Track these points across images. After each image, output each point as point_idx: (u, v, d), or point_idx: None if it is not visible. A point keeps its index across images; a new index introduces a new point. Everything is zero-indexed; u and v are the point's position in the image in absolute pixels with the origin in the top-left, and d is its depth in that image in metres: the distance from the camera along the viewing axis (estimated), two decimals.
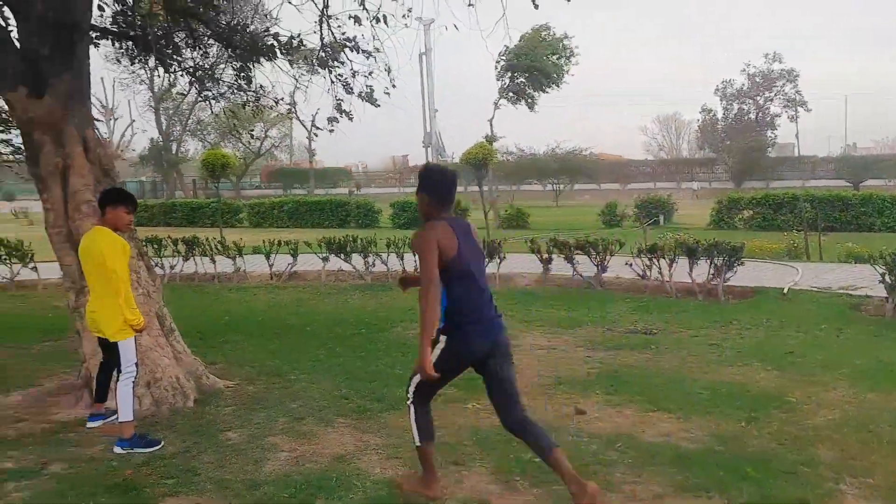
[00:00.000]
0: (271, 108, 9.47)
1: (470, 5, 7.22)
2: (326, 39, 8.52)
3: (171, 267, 13.71)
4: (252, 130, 50.80)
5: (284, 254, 13.54)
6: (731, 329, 8.63)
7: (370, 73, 9.09)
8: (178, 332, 6.42)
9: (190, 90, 9.97)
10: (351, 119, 9.36)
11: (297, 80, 9.73)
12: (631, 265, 11.40)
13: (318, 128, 9.13)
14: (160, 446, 4.94)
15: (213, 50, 8.98)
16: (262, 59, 7.93)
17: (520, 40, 34.67)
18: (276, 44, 7.84)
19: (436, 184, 4.04)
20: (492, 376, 4.08)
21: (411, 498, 4.15)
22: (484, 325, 3.99)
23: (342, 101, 9.18)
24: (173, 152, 53.21)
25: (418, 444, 4.14)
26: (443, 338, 3.93)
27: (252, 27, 8.54)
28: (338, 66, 8.94)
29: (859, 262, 13.21)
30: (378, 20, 8.18)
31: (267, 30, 8.31)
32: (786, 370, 6.71)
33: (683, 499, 4.09)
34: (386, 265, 13.13)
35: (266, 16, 10.00)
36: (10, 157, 10.86)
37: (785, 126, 64.37)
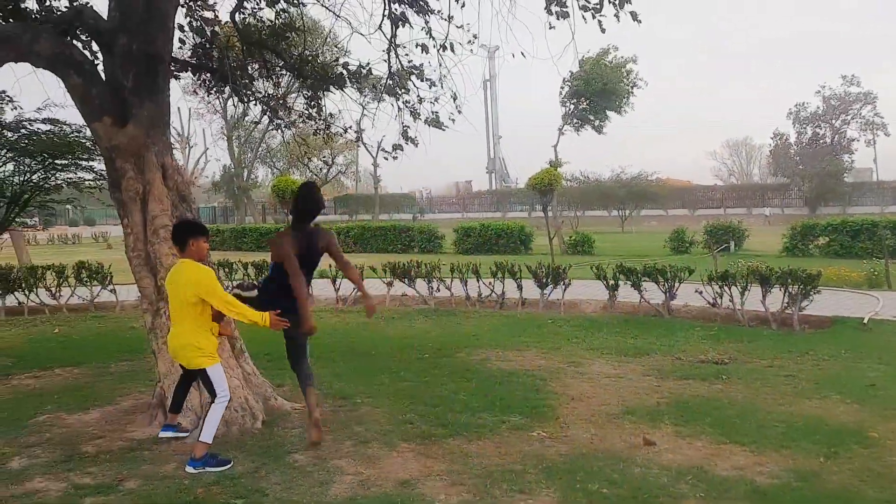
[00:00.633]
0: (341, 136, 9.65)
1: (551, 28, 7.24)
2: (394, 68, 8.69)
3: None
4: (323, 158, 52.10)
5: None
6: (806, 360, 8.31)
7: (436, 100, 9.21)
8: (248, 354, 6.57)
9: (262, 119, 10.30)
10: (416, 145, 9.47)
11: (364, 107, 9.95)
12: (701, 293, 11.12)
13: (386, 151, 9.25)
14: (230, 466, 5.05)
15: (285, 80, 9.26)
16: (331, 88, 8.13)
17: (581, 67, 34.60)
18: (345, 73, 8.04)
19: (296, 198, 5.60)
20: None
21: None
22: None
23: (409, 127, 9.32)
24: (244, 179, 54.80)
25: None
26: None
27: (322, 58, 8.76)
28: (404, 94, 9.10)
29: None
30: (444, 48, 8.31)
31: (336, 59, 8.53)
32: (867, 404, 6.41)
33: None
34: (450, 290, 13.16)
35: (336, 46, 10.26)
36: (93, 183, 11.38)
37: (862, 150, 62.19)
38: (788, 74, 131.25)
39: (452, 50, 8.28)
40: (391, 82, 8.91)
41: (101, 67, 6.49)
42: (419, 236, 30.11)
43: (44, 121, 10.15)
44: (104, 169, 6.77)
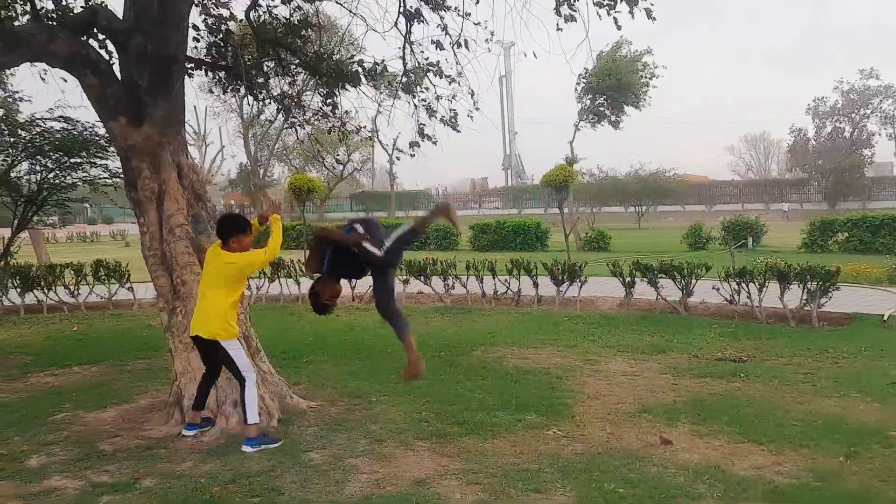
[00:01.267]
0: (356, 133, 9.64)
1: (559, 29, 7.19)
2: (410, 65, 8.66)
3: (258, 288, 14.12)
4: (337, 155, 52.18)
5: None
6: (826, 357, 8.21)
7: (453, 97, 9.16)
8: (264, 353, 6.59)
9: (277, 117, 10.31)
10: (434, 143, 9.44)
11: (379, 105, 9.93)
12: (718, 289, 11.02)
13: (400, 150, 9.24)
14: (280, 443, 5.39)
15: (300, 78, 9.26)
16: (347, 86, 8.11)
17: (597, 61, 34.37)
18: (360, 70, 8.02)
19: None
20: None
21: None
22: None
23: (424, 125, 9.28)
24: (260, 176, 55.02)
25: None
26: None
27: (338, 55, 8.75)
28: (421, 91, 9.06)
29: None
30: (459, 45, 8.26)
31: (352, 57, 8.52)
32: (887, 402, 6.32)
33: None
34: (465, 288, 13.14)
35: (353, 44, 10.25)
36: (108, 181, 11.45)
37: (883, 144, 61.36)
38: (808, 69, 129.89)
39: (467, 47, 8.23)
40: (407, 79, 8.88)
41: (116, 67, 6.52)
42: (435, 233, 30.08)
43: (57, 119, 10.22)
44: (119, 167, 6.80)
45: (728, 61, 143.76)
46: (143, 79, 6.23)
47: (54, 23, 7.04)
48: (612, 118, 38.47)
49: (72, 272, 13.94)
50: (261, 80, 7.78)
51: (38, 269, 13.74)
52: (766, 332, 9.89)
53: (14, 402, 7.02)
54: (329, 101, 8.22)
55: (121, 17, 6.41)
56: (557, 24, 7.24)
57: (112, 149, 9.75)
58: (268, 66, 7.85)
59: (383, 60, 8.24)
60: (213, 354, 5.50)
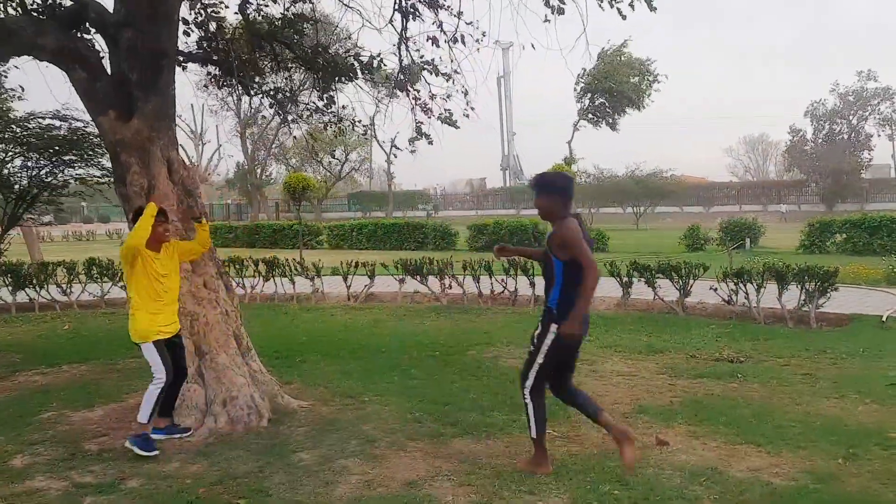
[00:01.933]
0: (352, 130, 9.53)
1: (546, 21, 7.09)
2: (405, 62, 8.56)
3: (252, 287, 14.02)
4: (332, 153, 52.05)
5: (362, 275, 13.65)
6: (824, 358, 8.12)
7: (448, 96, 9.08)
8: (255, 352, 6.49)
9: (274, 115, 10.20)
10: (431, 142, 9.35)
11: (378, 102, 9.85)
12: (716, 290, 10.94)
13: (398, 148, 9.19)
14: (154, 454, 5.12)
15: (295, 73, 9.15)
16: (342, 80, 8.01)
17: (598, 60, 34.30)
18: (356, 64, 7.92)
19: (565, 187, 4.76)
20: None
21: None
22: (587, 316, 4.59)
23: (422, 123, 9.19)
24: (258, 176, 54.93)
25: (534, 436, 4.74)
26: (554, 327, 4.53)
27: (333, 49, 8.65)
28: (417, 89, 8.97)
29: None
30: (455, 41, 8.18)
31: (347, 51, 8.41)
32: (887, 404, 6.22)
33: None
34: (462, 287, 13.05)
35: (346, 39, 10.15)
36: (101, 179, 11.35)
37: (881, 146, 61.44)
38: (809, 69, 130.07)
39: (463, 42, 8.14)
40: (402, 77, 8.78)
41: (106, 61, 6.42)
42: (432, 233, 30.01)
43: (53, 116, 10.12)
44: (111, 164, 6.70)
45: (728, 61, 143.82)
46: (134, 73, 6.12)
47: (43, 16, 6.92)
48: (610, 120, 38.40)
49: (64, 270, 13.83)
50: (252, 74, 7.66)
51: (30, 267, 13.63)
52: (764, 332, 9.80)
53: (0, 401, 6.91)
54: (326, 95, 8.09)
55: (111, 11, 6.31)
56: (546, 16, 7.13)
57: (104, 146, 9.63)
58: (261, 61, 7.75)
59: (379, 54, 8.14)
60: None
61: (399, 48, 8.46)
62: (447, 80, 8.81)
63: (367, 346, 9.26)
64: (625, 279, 12.00)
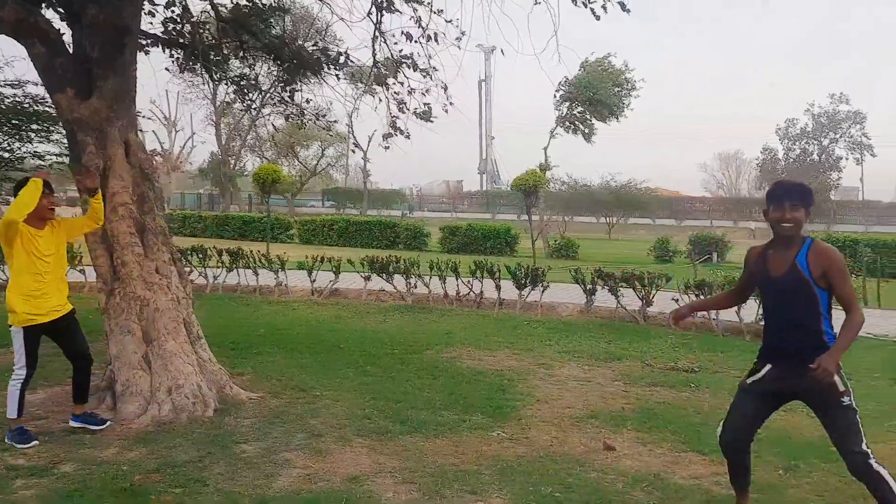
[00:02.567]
0: (315, 121, 9.44)
1: (525, 24, 7.10)
2: (382, 56, 8.52)
3: (215, 277, 13.84)
4: (307, 147, 51.64)
5: (327, 270, 13.54)
6: None
7: (426, 91, 9.04)
8: (205, 340, 6.39)
9: (250, 108, 10.06)
10: (408, 137, 9.32)
11: (354, 98, 9.81)
12: (678, 300, 11.01)
13: (359, 144, 9.08)
14: (29, 446, 4.93)
15: (263, 64, 9.06)
16: (308, 73, 7.95)
17: (581, 69, 34.43)
18: (322, 58, 7.85)
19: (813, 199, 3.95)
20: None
21: None
22: None
23: (397, 118, 9.14)
24: (231, 167, 54.36)
25: None
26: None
27: (301, 42, 8.58)
28: (395, 84, 8.92)
29: None
30: (429, 38, 8.15)
31: (315, 44, 8.33)
32: None
33: None
34: (428, 287, 13.00)
35: (319, 32, 10.08)
36: (56, 159, 11.10)
37: (850, 169, 62.53)
38: (782, 89, 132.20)
39: (436, 40, 8.12)
40: (377, 71, 8.73)
41: (67, 38, 6.30)
42: (404, 233, 29.92)
43: (7, 84, 9.82)
44: (67, 143, 6.57)
45: (707, 77, 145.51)
46: (95, 50, 6.02)
47: None
48: (587, 130, 38.46)
49: None
50: (219, 60, 7.57)
51: None
52: (722, 344, 9.90)
53: None
54: (289, 88, 8.02)
55: None
56: (526, 18, 7.16)
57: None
58: (227, 48, 7.64)
59: (346, 50, 8.08)
60: (58, 341, 5.29)
61: (374, 42, 8.41)
62: (425, 77, 8.80)
63: (326, 342, 9.17)
64: (589, 286, 12.05)
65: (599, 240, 43.23)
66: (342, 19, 8.20)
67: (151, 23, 7.35)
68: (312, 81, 8.82)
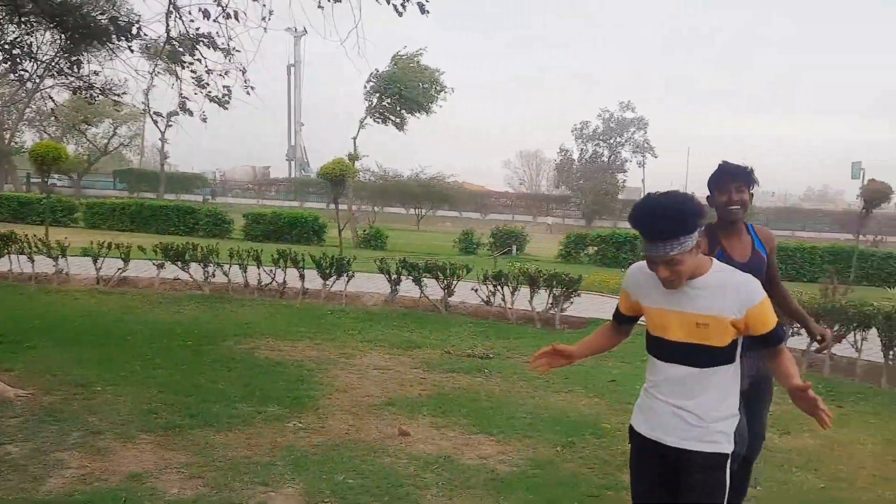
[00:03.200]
0: (103, 97, 8.76)
1: (321, 6, 7.03)
2: (176, 32, 8.06)
3: None
4: (94, 124, 47.71)
5: (115, 257, 12.58)
6: None
7: (226, 73, 8.69)
8: None
9: (25, 79, 9.08)
10: (204, 120, 8.91)
11: (151, 75, 9.19)
12: (477, 290, 11.51)
13: (158, 115, 8.53)
14: None
15: (44, 32, 8.27)
16: (96, 43, 7.34)
17: (393, 63, 34.68)
18: (112, 28, 7.28)
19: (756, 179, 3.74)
20: None
21: None
22: None
23: (187, 98, 8.70)
24: (6, 142, 48.92)
25: None
26: None
27: (89, 10, 7.90)
28: (191, 63, 8.47)
29: None
30: (229, 16, 7.84)
31: (103, 12, 7.71)
32: (605, 397, 6.92)
33: None
34: (227, 276, 12.52)
35: (111, 4, 9.36)
36: None
37: (634, 170, 68.67)
38: (581, 95, 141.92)
39: (237, 19, 7.82)
40: (171, 48, 8.24)
41: None
42: (205, 219, 28.55)
43: None
44: None
45: (515, 80, 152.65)
46: None
47: None
48: (398, 121, 38.90)
49: None
50: None
51: None
52: (515, 331, 10.48)
53: None
54: (74, 58, 7.36)
55: None
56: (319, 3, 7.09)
57: None
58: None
59: (139, 19, 7.57)
60: None
61: (168, 17, 7.94)
62: (226, 57, 8.45)
63: (111, 334, 8.55)
64: (393, 276, 12.23)
65: (408, 231, 44.02)
66: None
67: None
68: (101, 53, 8.18)
